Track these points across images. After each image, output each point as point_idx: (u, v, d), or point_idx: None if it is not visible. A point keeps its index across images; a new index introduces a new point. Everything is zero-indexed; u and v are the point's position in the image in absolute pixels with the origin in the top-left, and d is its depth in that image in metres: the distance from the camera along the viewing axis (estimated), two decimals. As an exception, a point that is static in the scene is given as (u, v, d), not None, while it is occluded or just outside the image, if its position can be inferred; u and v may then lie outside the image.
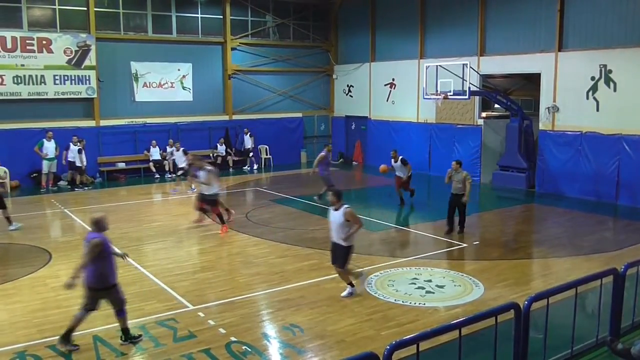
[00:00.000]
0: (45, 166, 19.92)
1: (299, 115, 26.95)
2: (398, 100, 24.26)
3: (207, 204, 13.97)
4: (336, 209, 9.08)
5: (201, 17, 24.41)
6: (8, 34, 20.17)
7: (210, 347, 7.56)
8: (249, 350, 7.52)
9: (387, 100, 24.80)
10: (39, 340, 7.85)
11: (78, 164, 20.14)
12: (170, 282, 10.23)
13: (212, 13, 24.60)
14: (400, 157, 16.52)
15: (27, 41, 20.53)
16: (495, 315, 5.39)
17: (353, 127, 26.97)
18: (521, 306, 5.57)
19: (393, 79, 24.39)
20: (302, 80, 27.06)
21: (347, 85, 27.03)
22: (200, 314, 8.76)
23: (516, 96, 22.29)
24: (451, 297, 9.42)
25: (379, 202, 18.38)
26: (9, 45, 20.20)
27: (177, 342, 7.77)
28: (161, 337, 7.91)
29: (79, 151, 20.09)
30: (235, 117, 25.28)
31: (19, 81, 20.47)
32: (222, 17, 24.74)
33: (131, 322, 8.37)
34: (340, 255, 9.17)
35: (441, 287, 9.85)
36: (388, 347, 4.36)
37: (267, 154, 25.69)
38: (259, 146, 25.47)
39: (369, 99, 25.73)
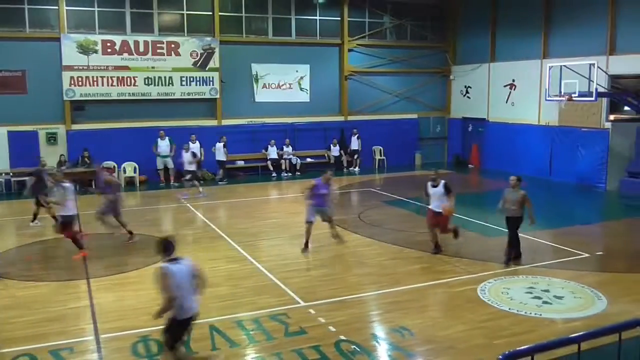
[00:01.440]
0: (159, 163, 21.21)
1: (415, 116, 26.65)
2: (518, 101, 23.34)
3: (61, 226, 12.03)
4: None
5: (319, 19, 24.82)
6: (141, 38, 21.64)
7: (320, 344, 7.66)
8: (358, 350, 7.54)
9: (506, 102, 23.94)
10: (160, 326, 8.30)
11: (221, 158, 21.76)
12: (283, 278, 10.48)
13: (330, 15, 24.94)
14: (444, 182, 11.81)
15: (158, 45, 21.90)
16: (619, 332, 5.04)
17: (470, 129, 26.27)
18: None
19: (513, 80, 23.49)
20: (419, 81, 26.74)
21: (465, 86, 26.37)
22: (311, 310, 8.90)
23: (650, 98, 20.70)
24: (570, 309, 8.93)
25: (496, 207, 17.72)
26: (142, 49, 21.64)
27: (288, 337, 7.95)
28: (273, 331, 8.12)
29: (225, 146, 21.73)
30: (350, 118, 25.45)
31: (149, 82, 21.89)
32: (339, 18, 25.00)
33: (245, 315, 8.70)
34: None
35: (559, 298, 9.36)
36: (500, 357, 4.21)
37: (381, 155, 25.62)
38: (373, 147, 25.45)
39: (487, 100, 24.95)
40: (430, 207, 11.81)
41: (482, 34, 24.97)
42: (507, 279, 10.27)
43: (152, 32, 22.04)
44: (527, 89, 22.64)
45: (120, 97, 21.63)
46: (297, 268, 11.19)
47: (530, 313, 8.71)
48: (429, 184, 11.77)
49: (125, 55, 21.49)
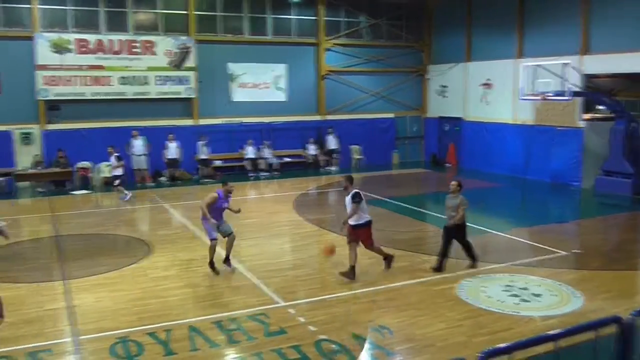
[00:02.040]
0: (134, 163, 21.09)
1: (391, 115, 26.80)
2: (493, 101, 23.61)
3: None
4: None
5: (295, 18, 24.82)
6: (115, 37, 21.40)
7: (300, 343, 7.67)
8: (338, 349, 7.57)
9: (481, 101, 24.20)
10: (139, 327, 8.26)
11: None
12: (262, 277, 10.47)
13: (306, 14, 24.95)
14: (354, 191, 10.47)
15: (133, 44, 21.68)
16: (595, 329, 5.13)
17: (446, 128, 26.51)
18: (624, 320, 5.28)
19: (488, 79, 23.76)
20: (395, 81, 26.89)
21: (441, 86, 26.60)
22: (291, 310, 8.91)
23: (622, 97, 21.08)
24: (547, 306, 9.06)
25: (474, 206, 17.89)
26: (116, 48, 21.41)
27: (268, 337, 7.95)
28: (253, 331, 8.12)
29: (206, 145, 22.02)
30: (327, 117, 25.49)
31: (125, 82, 21.66)
32: (315, 18, 25.03)
33: (224, 315, 8.68)
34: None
35: (537, 295, 9.49)
36: (480, 354, 4.26)
37: (359, 155, 25.71)
38: (351, 146, 25.53)
39: (464, 99, 25.20)
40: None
41: (457, 34, 25.20)
42: (485, 278, 10.39)
43: (126, 31, 21.82)
44: (502, 88, 22.91)
45: (95, 97, 21.37)
46: (276, 268, 11.19)
47: (509, 311, 8.82)
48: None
49: (100, 54, 21.23)
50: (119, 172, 18.38)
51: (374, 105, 26.57)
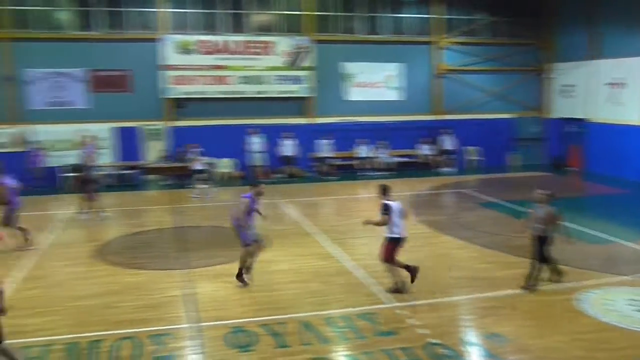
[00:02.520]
0: (252, 159, 21.78)
1: (509, 116, 25.84)
2: (626, 101, 22.01)
3: None
4: None
5: (411, 17, 24.58)
6: (236, 39, 22.31)
7: (409, 346, 7.61)
8: (449, 354, 7.43)
9: (611, 102, 22.69)
10: (253, 318, 8.56)
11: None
12: (373, 277, 10.47)
13: (421, 13, 24.65)
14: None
15: (252, 44, 22.48)
16: None
17: (571, 129, 25.11)
18: None
19: (619, 78, 22.21)
20: (514, 80, 25.90)
21: (564, 85, 25.25)
22: (401, 311, 8.85)
23: None
24: (680, 324, 8.36)
25: (600, 213, 16.89)
26: (237, 49, 22.30)
27: (378, 337, 7.94)
28: (362, 330, 8.15)
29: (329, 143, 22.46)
30: (442, 117, 25.04)
31: (244, 81, 22.52)
32: (432, 16, 24.65)
33: (334, 312, 8.78)
34: None
35: (668, 312, 8.79)
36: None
37: (475, 156, 25.03)
38: (467, 147, 24.90)
39: (590, 99, 23.75)
40: None
41: (583, 30, 23.73)
42: (608, 290, 9.76)
43: (246, 32, 22.66)
44: (636, 88, 21.29)
45: (217, 96, 22.40)
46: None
47: (636, 327, 8.23)
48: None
49: (222, 54, 22.22)
50: (199, 166, 19.26)
51: (491, 105, 25.74)
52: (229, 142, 21.87)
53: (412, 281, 9.72)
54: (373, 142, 23.29)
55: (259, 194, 10.38)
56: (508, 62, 25.65)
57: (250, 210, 10.09)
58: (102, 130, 21.34)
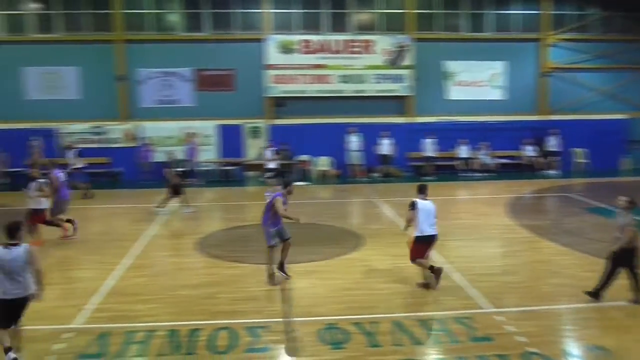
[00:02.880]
0: (350, 158, 21.78)
1: (622, 116, 24.33)
2: None
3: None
4: None
5: (517, 13, 23.74)
6: (337, 38, 22.48)
7: (506, 353, 7.34)
8: (549, 364, 7.11)
9: None
10: (347, 316, 8.57)
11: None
12: (470, 280, 10.20)
13: (530, 9, 23.73)
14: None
15: (352, 43, 22.56)
16: None
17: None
18: None
19: None
20: (627, 78, 24.37)
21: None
22: (499, 317, 8.55)
23: None
24: None
25: None
26: (337, 48, 22.46)
27: (473, 342, 7.73)
28: (457, 334, 7.95)
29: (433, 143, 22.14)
30: (548, 117, 24.00)
31: (344, 80, 22.64)
32: (540, 12, 23.67)
33: (428, 314, 8.64)
34: None
35: None
36: None
37: (582, 158, 23.76)
38: (574, 149, 23.69)
39: None
40: None
41: None
42: None
43: (347, 31, 22.76)
44: None
45: (317, 94, 22.67)
46: (486, 272, 10.81)
47: None
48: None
49: (322, 54, 22.46)
50: (272, 165, 19.32)
51: (601, 105, 24.39)
52: (326, 140, 22.09)
53: (437, 282, 9.66)
54: (474, 143, 22.69)
55: (289, 192, 10.40)
56: (620, 59, 24.17)
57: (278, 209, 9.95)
58: (206, 127, 22.21)
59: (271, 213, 9.93)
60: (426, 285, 9.75)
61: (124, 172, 21.84)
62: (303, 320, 8.48)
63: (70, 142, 20.38)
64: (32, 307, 7.22)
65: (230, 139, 22.40)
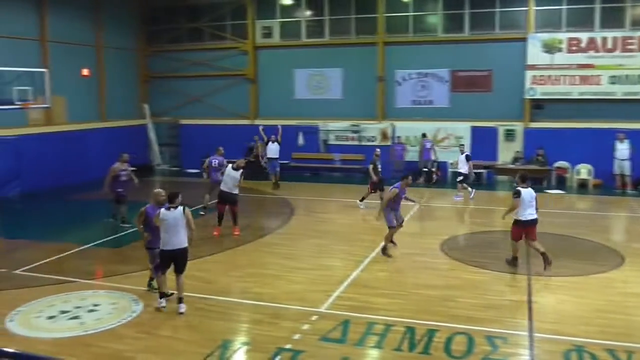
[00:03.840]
0: (616, 167, 19.66)
1: None
2: None
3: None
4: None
5: None
6: (609, 34, 20.38)
7: None
8: None
9: None
10: (599, 340, 7.80)
11: None
12: None
13: None
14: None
15: (627, 41, 20.28)
16: None
17: None
18: None
19: None
20: None
21: None
22: None
23: None
24: None
25: None
26: (609, 46, 20.38)
27: None
28: None
29: None
30: None
31: (615, 81, 20.49)
32: None
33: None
34: None
35: None
36: None
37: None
38: None
39: None
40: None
41: None
42: None
43: (622, 27, 20.53)
44: None
45: (581, 97, 20.91)
46: None
47: None
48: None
49: (591, 52, 20.61)
50: (464, 170, 18.32)
51: None
52: (587, 146, 20.26)
53: (545, 267, 10.65)
54: None
55: (407, 184, 12.05)
56: None
57: (398, 198, 11.85)
58: (460, 129, 22.01)
59: (392, 201, 11.81)
60: (512, 263, 11.02)
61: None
62: (546, 337, 7.95)
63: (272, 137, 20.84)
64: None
65: (483, 141, 21.83)
